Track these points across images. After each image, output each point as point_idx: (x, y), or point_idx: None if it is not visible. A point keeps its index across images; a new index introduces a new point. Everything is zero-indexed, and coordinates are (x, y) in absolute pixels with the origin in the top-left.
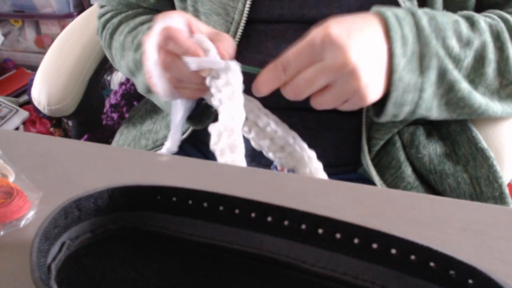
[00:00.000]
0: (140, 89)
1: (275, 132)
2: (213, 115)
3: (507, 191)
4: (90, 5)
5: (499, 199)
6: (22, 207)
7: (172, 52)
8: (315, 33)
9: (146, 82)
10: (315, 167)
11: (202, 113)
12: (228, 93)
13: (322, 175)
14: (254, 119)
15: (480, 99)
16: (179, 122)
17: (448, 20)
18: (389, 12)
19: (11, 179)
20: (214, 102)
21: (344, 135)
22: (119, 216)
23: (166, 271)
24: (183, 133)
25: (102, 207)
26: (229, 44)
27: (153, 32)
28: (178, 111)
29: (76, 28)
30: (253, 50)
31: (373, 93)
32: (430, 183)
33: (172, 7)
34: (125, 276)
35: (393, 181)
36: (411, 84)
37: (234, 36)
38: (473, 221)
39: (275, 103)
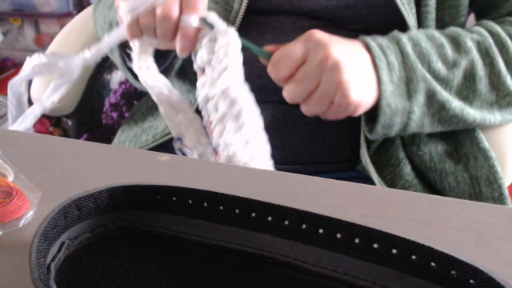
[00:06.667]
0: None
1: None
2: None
3: (506, 192)
4: (90, 4)
5: (498, 200)
6: (21, 207)
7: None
8: (300, 37)
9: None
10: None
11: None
12: (223, 55)
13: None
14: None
15: (474, 114)
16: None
17: (433, 45)
18: (373, 42)
19: (10, 178)
20: (199, 61)
21: (343, 132)
22: (118, 216)
23: (166, 271)
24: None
25: (101, 206)
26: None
27: None
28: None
29: (76, 27)
30: (252, 42)
31: (356, 92)
32: (430, 181)
33: None
34: (125, 276)
35: (391, 178)
36: (399, 108)
37: (233, 26)
38: (474, 221)
39: (273, 97)
